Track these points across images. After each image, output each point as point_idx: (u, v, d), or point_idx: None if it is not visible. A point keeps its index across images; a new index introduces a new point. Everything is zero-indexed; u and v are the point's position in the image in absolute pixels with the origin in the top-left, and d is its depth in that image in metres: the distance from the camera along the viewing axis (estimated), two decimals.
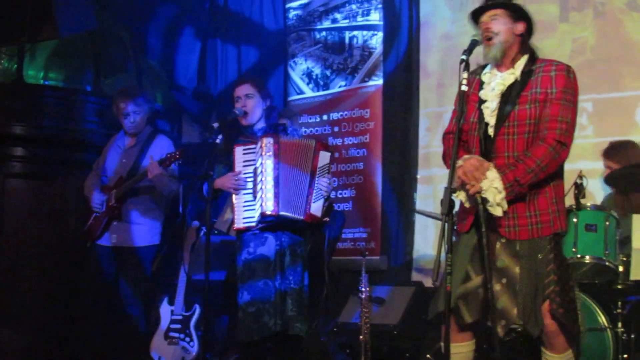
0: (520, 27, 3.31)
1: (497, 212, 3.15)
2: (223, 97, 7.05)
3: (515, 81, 3.28)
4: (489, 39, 3.27)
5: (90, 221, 5.12)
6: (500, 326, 3.18)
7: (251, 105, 4.40)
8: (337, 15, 6.75)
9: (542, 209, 3.23)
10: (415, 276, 6.04)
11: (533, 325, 3.16)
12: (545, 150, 3.15)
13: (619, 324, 4.27)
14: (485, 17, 3.31)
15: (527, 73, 3.28)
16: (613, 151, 4.86)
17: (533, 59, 3.32)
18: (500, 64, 3.32)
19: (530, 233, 3.22)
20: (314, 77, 6.83)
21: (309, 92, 6.87)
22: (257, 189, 4.21)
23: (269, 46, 7.18)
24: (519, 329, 4.21)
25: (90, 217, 5.13)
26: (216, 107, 7.17)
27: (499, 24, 3.28)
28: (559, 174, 3.30)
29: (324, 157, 4.35)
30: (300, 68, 6.94)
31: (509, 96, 3.27)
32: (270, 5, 7.19)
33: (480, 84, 3.36)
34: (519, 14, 3.32)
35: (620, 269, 4.28)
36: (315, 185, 4.27)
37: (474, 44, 3.26)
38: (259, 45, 7.22)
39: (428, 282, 5.46)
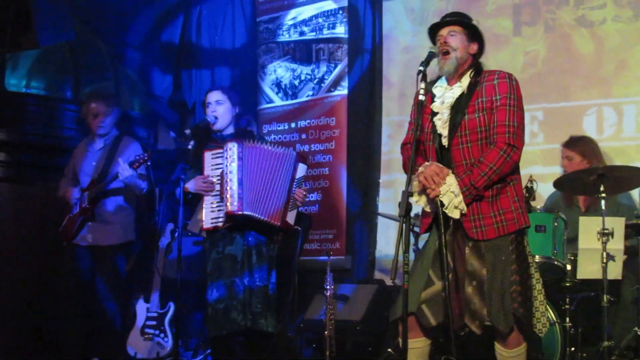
0: (474, 47, 3.42)
1: (455, 214, 3.25)
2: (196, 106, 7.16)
3: (463, 93, 3.36)
4: (446, 52, 3.34)
5: (65, 222, 5.23)
6: (475, 325, 3.26)
7: (221, 111, 4.56)
8: (305, 28, 6.77)
9: (505, 208, 3.29)
10: (378, 275, 6.14)
11: (503, 324, 3.22)
12: (497, 154, 3.23)
13: (567, 319, 4.43)
14: (443, 32, 3.40)
15: (473, 84, 3.35)
16: (572, 142, 4.99)
17: (478, 71, 3.41)
18: (451, 78, 3.41)
19: (497, 231, 3.27)
20: (283, 86, 6.86)
21: (278, 101, 6.89)
22: (223, 190, 4.37)
23: (241, 63, 7.20)
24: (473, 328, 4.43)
25: (64, 218, 5.25)
26: (190, 116, 7.21)
27: (457, 40, 3.37)
28: (516, 173, 3.38)
29: (302, 170, 4.53)
30: (269, 78, 6.95)
31: (458, 107, 3.34)
32: (241, 20, 7.22)
33: (432, 97, 3.43)
34: (474, 35, 3.42)
35: (568, 267, 4.47)
36: (292, 195, 4.46)
37: (431, 55, 3.31)
38: (232, 65, 7.25)
39: (389, 281, 5.56)
